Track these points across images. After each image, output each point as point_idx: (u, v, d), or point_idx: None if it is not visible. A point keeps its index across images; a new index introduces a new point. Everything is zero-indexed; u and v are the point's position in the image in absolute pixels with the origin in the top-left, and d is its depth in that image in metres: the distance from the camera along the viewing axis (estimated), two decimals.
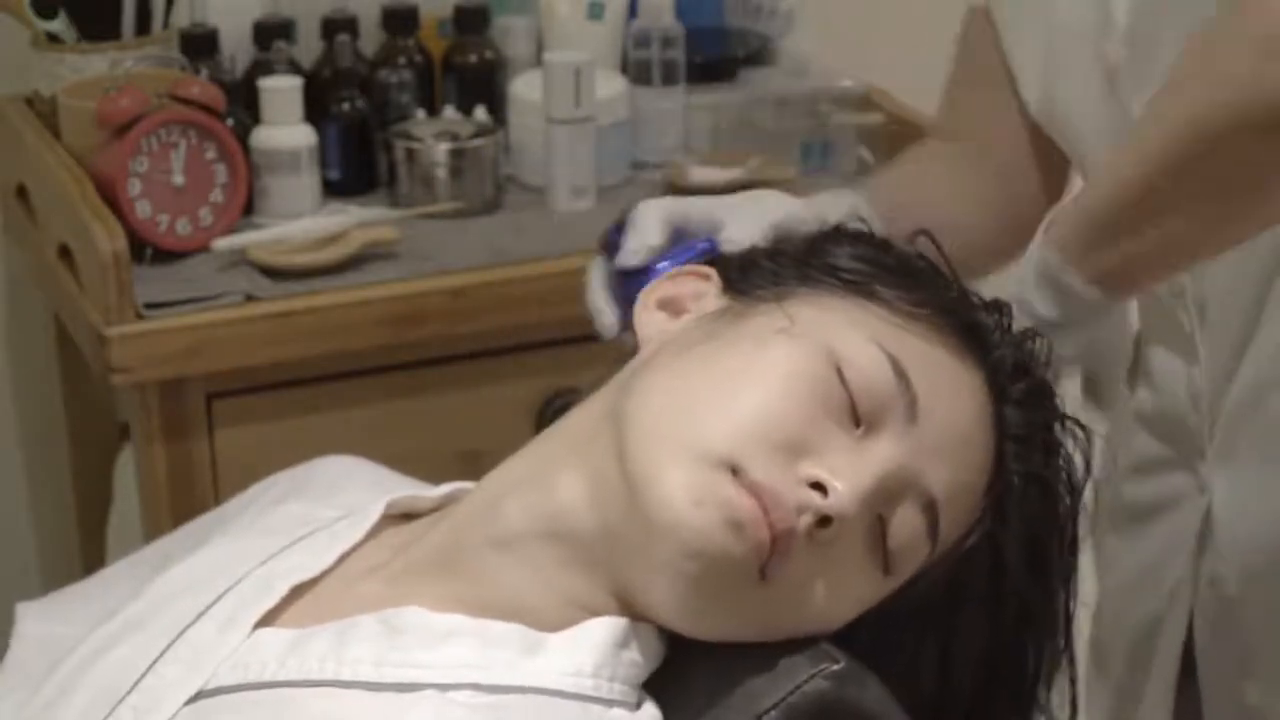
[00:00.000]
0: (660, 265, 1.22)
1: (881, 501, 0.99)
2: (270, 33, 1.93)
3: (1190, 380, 1.34)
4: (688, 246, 1.23)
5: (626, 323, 1.19)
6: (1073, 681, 1.07)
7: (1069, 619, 1.06)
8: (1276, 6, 1.07)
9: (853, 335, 1.01)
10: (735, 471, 0.96)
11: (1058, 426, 1.06)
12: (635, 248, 1.23)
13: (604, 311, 1.26)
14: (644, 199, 1.27)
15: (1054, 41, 1.32)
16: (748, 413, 0.97)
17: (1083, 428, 1.07)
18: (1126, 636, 1.46)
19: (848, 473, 0.97)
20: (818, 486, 0.96)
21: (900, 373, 1.00)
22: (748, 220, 1.22)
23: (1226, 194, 1.12)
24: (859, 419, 0.99)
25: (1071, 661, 1.07)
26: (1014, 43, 1.36)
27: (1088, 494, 1.08)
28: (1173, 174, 1.12)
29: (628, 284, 1.22)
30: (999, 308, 1.08)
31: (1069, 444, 1.06)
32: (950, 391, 1.02)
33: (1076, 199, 1.19)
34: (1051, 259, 1.16)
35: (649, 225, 1.24)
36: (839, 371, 0.99)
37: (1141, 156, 1.14)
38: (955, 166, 1.41)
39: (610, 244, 1.26)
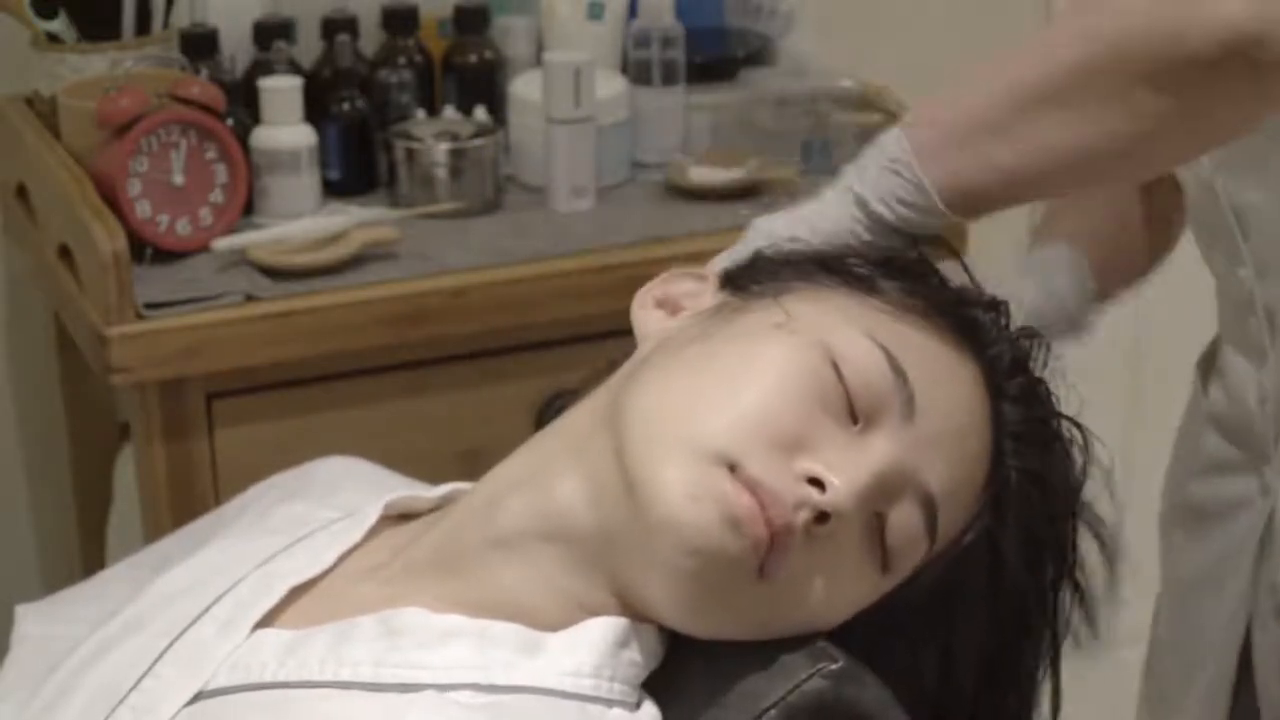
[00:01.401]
0: None
1: (879, 498, 0.99)
2: (270, 33, 1.93)
3: (1259, 384, 1.34)
4: None
5: None
6: (1055, 683, 1.07)
7: (1064, 618, 1.06)
8: None
9: (849, 331, 1.01)
10: (732, 468, 0.96)
11: (1055, 423, 1.06)
12: None
13: None
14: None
15: None
16: (745, 409, 0.97)
17: (1079, 425, 1.07)
18: (1184, 638, 1.46)
19: (845, 468, 0.97)
20: (815, 482, 0.96)
21: (897, 369, 1.00)
22: None
23: (1108, 115, 1.06)
24: (856, 415, 0.99)
25: (1056, 661, 1.07)
26: None
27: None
28: (1061, 84, 1.06)
29: None
30: (995, 305, 1.08)
31: (1066, 439, 1.06)
32: (947, 387, 1.02)
33: (943, 99, 1.12)
34: (905, 159, 1.09)
35: None
36: (835, 367, 0.99)
37: (1034, 63, 1.08)
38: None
39: None
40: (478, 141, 1.89)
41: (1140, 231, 1.44)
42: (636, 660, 1.01)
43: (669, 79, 1.99)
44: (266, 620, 1.02)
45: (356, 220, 1.79)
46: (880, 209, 1.10)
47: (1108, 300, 1.38)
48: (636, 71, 2.00)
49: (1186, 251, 1.48)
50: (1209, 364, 1.45)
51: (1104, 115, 1.06)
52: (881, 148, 1.11)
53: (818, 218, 1.12)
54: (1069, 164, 1.10)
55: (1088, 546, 1.07)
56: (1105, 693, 1.66)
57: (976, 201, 1.11)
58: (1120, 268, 1.40)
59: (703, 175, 1.92)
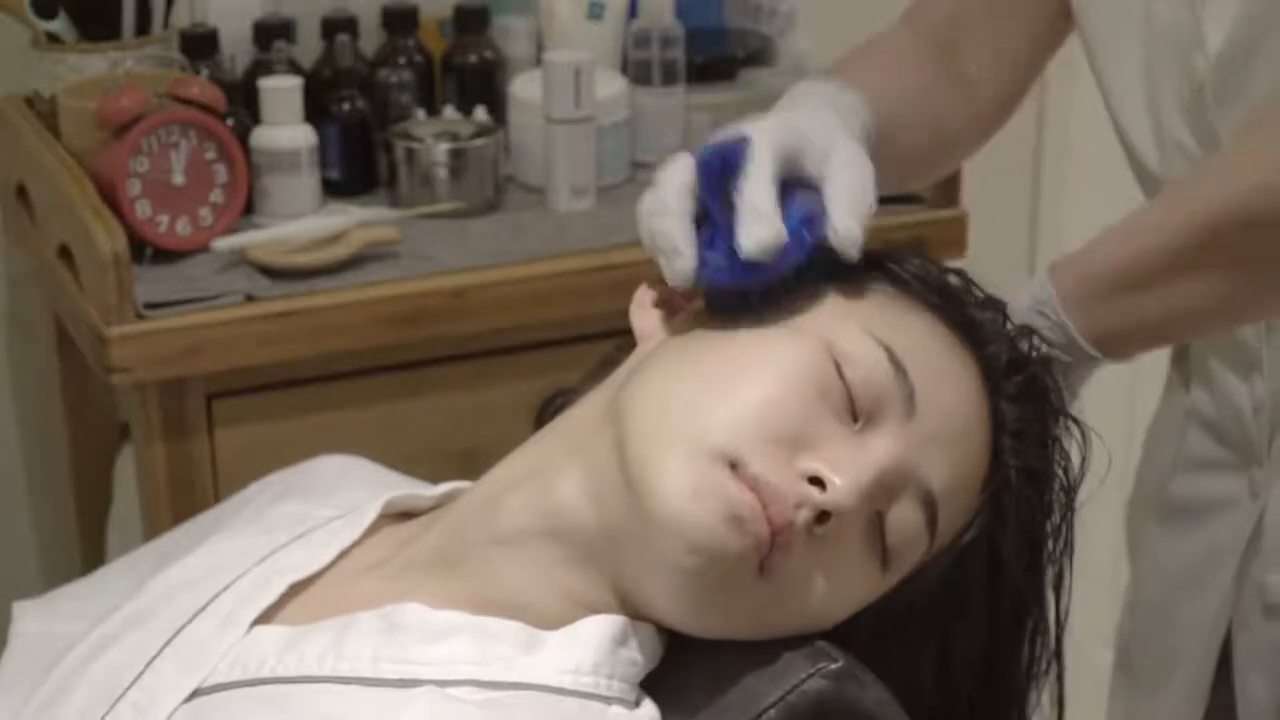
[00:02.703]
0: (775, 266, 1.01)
1: (880, 497, 0.99)
2: (270, 33, 1.93)
3: (1252, 390, 1.34)
4: (797, 241, 1.02)
5: (701, 270, 1.03)
6: (1059, 683, 1.08)
7: (1059, 617, 1.07)
8: None
9: (850, 329, 1.01)
10: (734, 465, 0.96)
11: (1052, 421, 1.07)
12: (759, 244, 1.00)
13: (681, 253, 1.03)
14: (747, 134, 1.02)
15: (1148, 42, 1.30)
16: (747, 406, 0.97)
17: (1077, 423, 1.07)
18: (1161, 634, 1.46)
19: (846, 467, 0.97)
20: (816, 481, 0.96)
21: (898, 366, 1.00)
22: (849, 187, 1.05)
23: (1243, 279, 1.13)
24: (857, 413, 0.99)
25: (1059, 660, 1.07)
26: (1097, 23, 1.34)
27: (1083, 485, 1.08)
28: (1196, 251, 1.13)
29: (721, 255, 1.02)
30: (993, 304, 1.09)
31: (1064, 437, 1.07)
32: (947, 385, 1.02)
33: (1087, 253, 1.18)
34: (1052, 305, 1.15)
35: (769, 212, 1.01)
36: (837, 365, 0.99)
37: (1166, 227, 1.14)
38: (925, 65, 1.37)
39: (710, 174, 1.03)
40: (478, 141, 1.89)
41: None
42: (635, 659, 1.01)
43: (669, 79, 1.99)
44: (265, 617, 1.02)
45: (356, 220, 1.79)
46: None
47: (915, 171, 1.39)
48: (636, 71, 2.00)
49: None
50: (1185, 360, 1.45)
51: (1244, 280, 1.14)
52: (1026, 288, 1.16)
53: None
54: (1213, 321, 1.21)
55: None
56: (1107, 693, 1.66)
57: (1121, 346, 1.16)
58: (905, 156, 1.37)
59: None
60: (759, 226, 1.00)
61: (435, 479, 1.19)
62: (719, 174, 1.03)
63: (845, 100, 1.18)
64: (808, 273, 1.05)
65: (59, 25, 1.89)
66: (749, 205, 1.01)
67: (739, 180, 1.02)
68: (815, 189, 1.05)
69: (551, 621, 1.00)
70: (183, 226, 1.76)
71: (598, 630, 0.99)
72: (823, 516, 0.96)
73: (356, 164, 1.92)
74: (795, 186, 1.04)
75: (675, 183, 1.04)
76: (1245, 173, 1.13)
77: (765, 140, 1.03)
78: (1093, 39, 1.34)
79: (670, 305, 1.10)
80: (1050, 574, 1.06)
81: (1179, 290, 1.14)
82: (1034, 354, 1.08)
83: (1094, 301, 1.14)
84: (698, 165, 1.04)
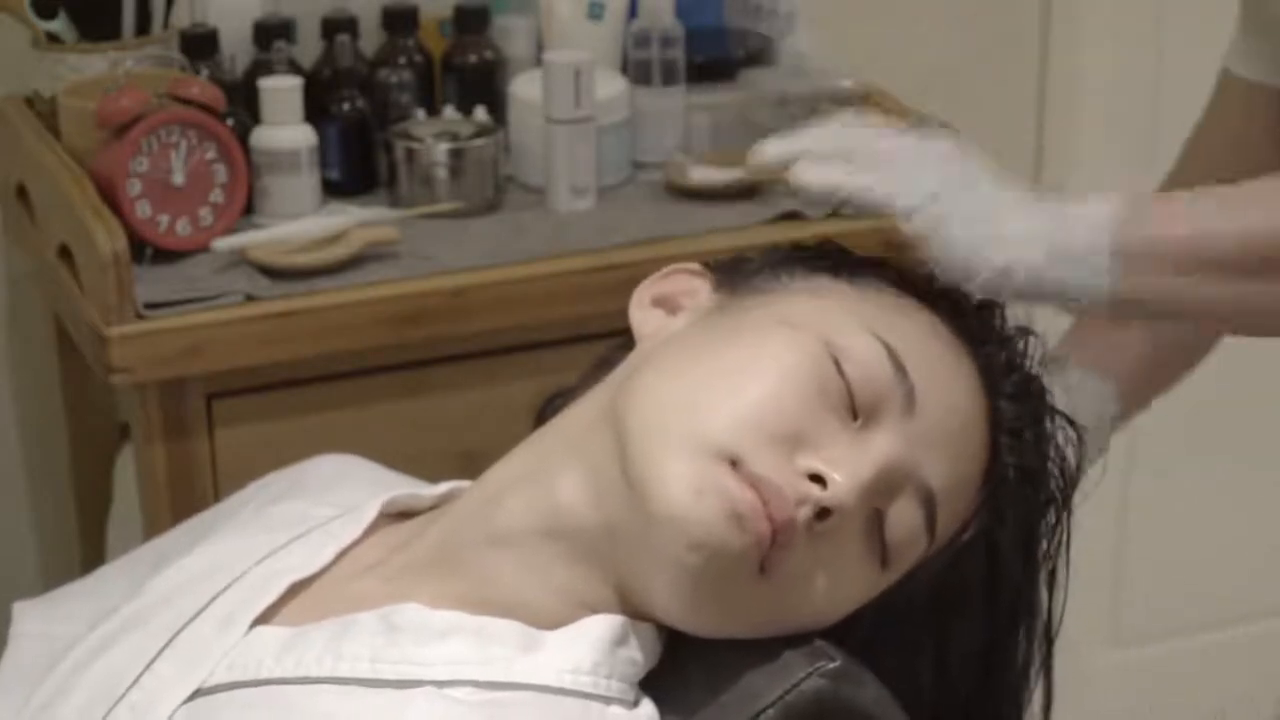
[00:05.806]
0: None
1: (880, 494, 0.99)
2: (270, 33, 1.93)
3: None
4: None
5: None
6: (1048, 681, 1.08)
7: (1051, 616, 1.07)
8: None
9: (850, 326, 1.01)
10: (735, 463, 0.96)
11: (1051, 420, 1.07)
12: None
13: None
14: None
15: None
16: (747, 404, 0.98)
17: (1072, 423, 1.07)
18: None
19: (846, 464, 0.97)
20: (816, 479, 0.96)
21: (897, 363, 1.00)
22: None
23: None
24: (857, 411, 1.00)
25: (1048, 659, 1.07)
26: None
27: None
28: (1260, 259, 1.11)
29: None
30: (991, 306, 1.09)
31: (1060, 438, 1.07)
32: (946, 383, 1.03)
33: (1154, 214, 1.15)
34: (1102, 250, 1.12)
35: None
36: (836, 363, 1.00)
37: (1238, 223, 1.12)
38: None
39: None
40: (478, 141, 1.89)
41: (1171, 358, 1.43)
42: (635, 658, 1.01)
43: (669, 79, 1.99)
44: (265, 617, 1.03)
45: (356, 220, 1.79)
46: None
47: (1125, 421, 1.38)
48: (636, 71, 2.00)
49: None
50: None
51: None
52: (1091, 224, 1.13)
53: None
54: (1256, 323, 1.17)
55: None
56: (1107, 692, 1.66)
57: (1133, 314, 1.17)
58: (1146, 392, 1.40)
59: (703, 175, 1.92)
60: None
61: (435, 479, 1.19)
62: None
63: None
64: (811, 272, 1.06)
65: (59, 25, 1.89)
66: None
67: None
68: None
69: (551, 620, 1.00)
70: (183, 226, 1.76)
71: (597, 630, 0.99)
72: (823, 514, 0.96)
73: (356, 164, 1.92)
74: None
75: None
76: None
77: None
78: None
79: (670, 304, 1.10)
80: (1046, 572, 1.07)
81: (1219, 286, 1.12)
82: (1031, 353, 1.08)
83: (1142, 268, 1.12)
84: None
